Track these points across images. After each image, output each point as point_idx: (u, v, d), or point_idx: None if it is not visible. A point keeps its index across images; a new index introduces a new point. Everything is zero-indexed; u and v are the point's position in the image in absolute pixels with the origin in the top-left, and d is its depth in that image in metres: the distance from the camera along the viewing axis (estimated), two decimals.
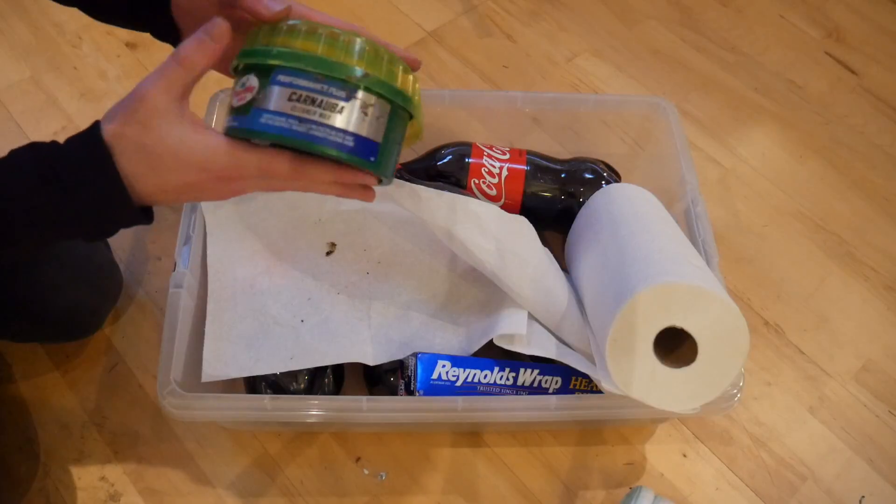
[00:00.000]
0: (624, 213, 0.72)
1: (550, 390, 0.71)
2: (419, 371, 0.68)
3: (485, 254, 0.69)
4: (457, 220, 0.67)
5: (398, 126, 0.52)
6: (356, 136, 0.49)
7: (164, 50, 0.54)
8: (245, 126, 0.48)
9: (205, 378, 0.69)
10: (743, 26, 1.18)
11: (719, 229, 0.95)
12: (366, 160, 0.50)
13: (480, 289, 0.77)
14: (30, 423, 0.77)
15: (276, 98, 0.47)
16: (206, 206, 0.75)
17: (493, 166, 0.80)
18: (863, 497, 0.77)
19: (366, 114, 0.49)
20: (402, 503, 0.74)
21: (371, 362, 0.72)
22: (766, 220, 0.97)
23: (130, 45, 1.07)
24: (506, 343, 0.69)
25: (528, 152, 0.83)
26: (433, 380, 0.68)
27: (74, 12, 0.64)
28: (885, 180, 1.02)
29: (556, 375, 0.71)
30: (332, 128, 0.48)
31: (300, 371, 0.71)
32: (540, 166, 0.82)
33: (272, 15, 0.50)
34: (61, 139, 0.47)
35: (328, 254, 0.79)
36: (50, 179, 0.46)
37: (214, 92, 0.78)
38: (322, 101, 0.47)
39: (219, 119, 0.76)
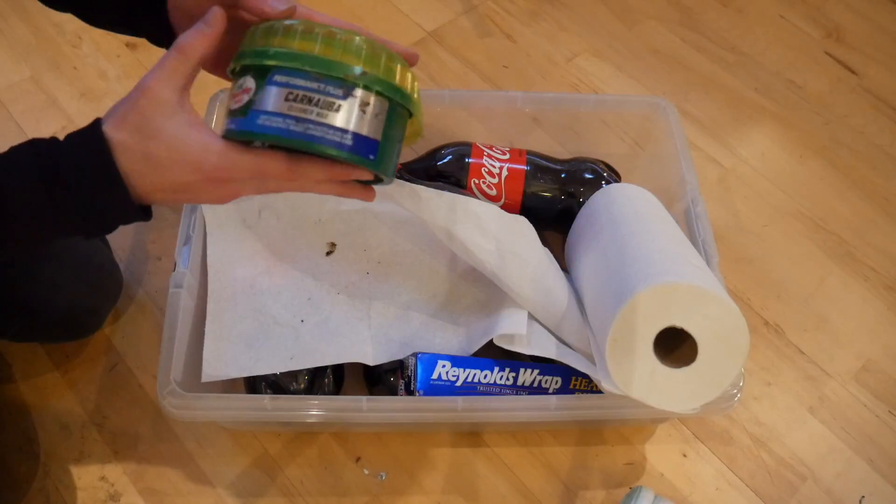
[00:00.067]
0: (624, 213, 0.72)
1: (550, 390, 0.71)
2: (419, 371, 0.68)
3: (485, 254, 0.69)
4: (457, 220, 0.67)
5: (397, 124, 0.52)
6: (355, 135, 0.48)
7: (163, 51, 0.54)
8: (242, 128, 0.48)
9: (205, 378, 0.69)
10: (743, 26, 1.18)
11: (719, 229, 0.95)
12: (365, 158, 0.49)
13: (480, 289, 0.77)
14: (30, 423, 0.77)
15: (273, 98, 0.47)
16: (206, 206, 0.75)
17: (493, 166, 0.80)
18: (863, 497, 0.77)
19: (364, 112, 0.48)
20: (402, 503, 0.74)
21: (371, 362, 0.72)
22: (765, 220, 0.97)
23: (130, 46, 1.07)
24: (506, 343, 0.69)
25: (528, 152, 0.83)
26: (433, 380, 0.68)
27: None
28: (885, 180, 1.02)
29: (556, 375, 0.71)
30: (331, 127, 0.47)
31: (300, 371, 0.71)
32: (540, 166, 0.82)
33: (277, 13, 0.50)
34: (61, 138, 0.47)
35: (328, 254, 0.79)
36: (49, 176, 0.45)
37: (214, 92, 0.78)
38: (319, 99, 0.47)
39: (218, 119, 0.76)
